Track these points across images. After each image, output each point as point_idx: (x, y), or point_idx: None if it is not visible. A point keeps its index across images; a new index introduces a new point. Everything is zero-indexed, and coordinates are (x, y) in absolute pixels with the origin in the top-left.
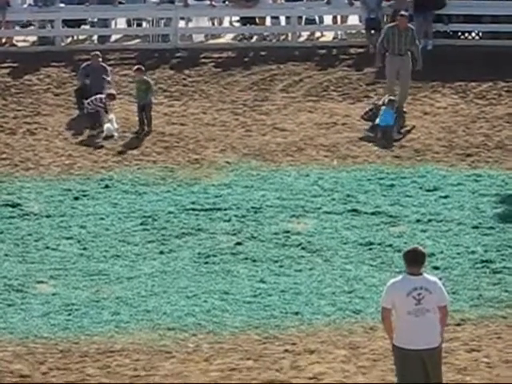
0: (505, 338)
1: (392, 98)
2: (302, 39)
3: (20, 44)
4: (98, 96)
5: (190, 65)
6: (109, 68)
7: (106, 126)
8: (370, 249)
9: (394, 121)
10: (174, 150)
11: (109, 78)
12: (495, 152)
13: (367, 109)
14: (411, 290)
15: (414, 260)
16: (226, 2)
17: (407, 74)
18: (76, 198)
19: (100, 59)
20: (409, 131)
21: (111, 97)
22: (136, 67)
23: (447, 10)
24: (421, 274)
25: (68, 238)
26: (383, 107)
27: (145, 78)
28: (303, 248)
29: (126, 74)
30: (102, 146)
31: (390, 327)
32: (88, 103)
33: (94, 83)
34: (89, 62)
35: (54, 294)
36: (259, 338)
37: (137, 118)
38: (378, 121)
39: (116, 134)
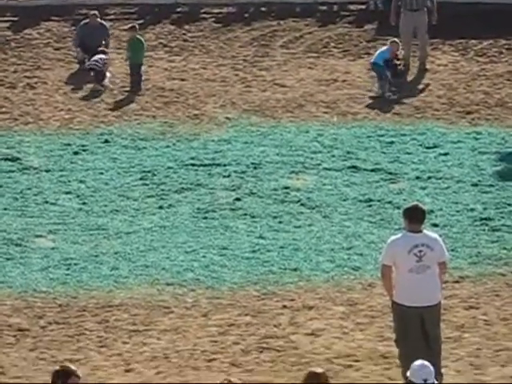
0: (503, 296)
1: (396, 40)
2: None
3: None
4: (101, 56)
5: (191, 20)
6: (107, 25)
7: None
8: (370, 205)
9: (385, 67)
10: (173, 105)
11: (107, 38)
12: (495, 110)
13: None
14: (412, 247)
15: (415, 217)
16: None
17: (424, 29)
18: (75, 153)
19: (98, 18)
20: (417, 88)
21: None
22: (130, 25)
23: None
24: (421, 231)
25: (67, 193)
26: (385, 47)
27: (138, 36)
28: (302, 204)
29: (126, 28)
30: (102, 100)
31: (390, 285)
32: (94, 63)
33: (92, 42)
34: (86, 21)
35: (53, 249)
36: (258, 293)
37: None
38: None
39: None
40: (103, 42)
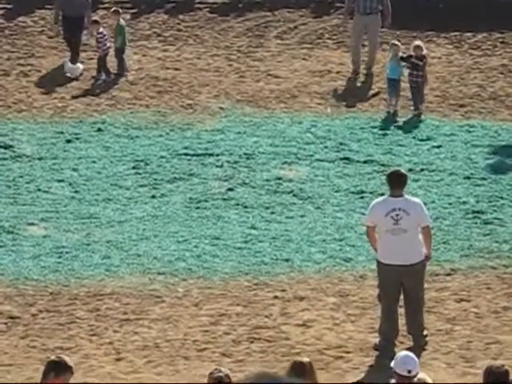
0: (494, 289)
1: (395, 42)
2: None
3: None
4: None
5: (185, 10)
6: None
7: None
8: (362, 197)
9: (400, 74)
10: (167, 95)
11: (88, 11)
12: (489, 103)
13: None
14: (390, 210)
15: (396, 181)
16: None
17: (374, 34)
18: (68, 141)
19: None
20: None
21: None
22: (113, 9)
23: None
24: (402, 195)
25: (60, 181)
26: (389, 59)
27: (120, 20)
28: (295, 195)
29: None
30: (95, 90)
31: (375, 241)
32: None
33: (71, 13)
34: None
35: (44, 237)
36: (249, 284)
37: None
38: (387, 72)
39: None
40: (84, 12)
